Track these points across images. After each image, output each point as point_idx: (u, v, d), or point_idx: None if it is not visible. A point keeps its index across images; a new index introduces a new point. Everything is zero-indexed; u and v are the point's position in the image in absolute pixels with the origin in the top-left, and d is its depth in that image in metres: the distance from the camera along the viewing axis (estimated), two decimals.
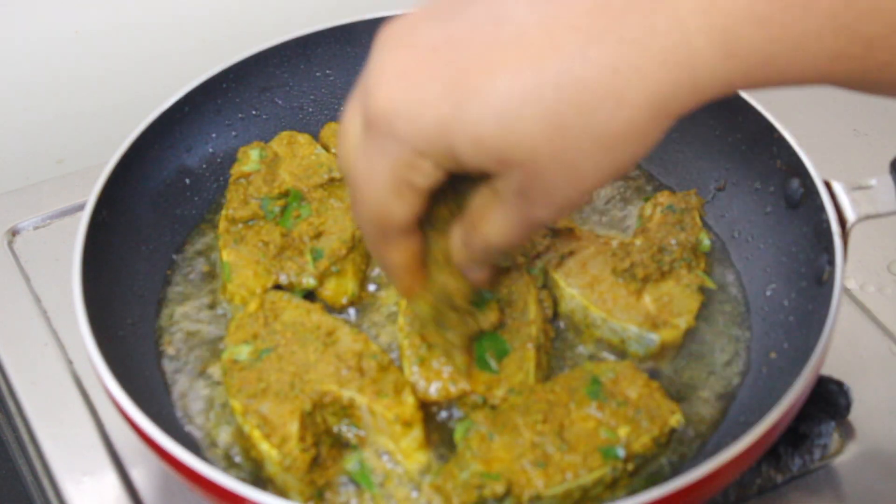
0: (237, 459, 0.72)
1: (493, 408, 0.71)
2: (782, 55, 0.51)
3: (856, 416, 0.80)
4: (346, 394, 0.71)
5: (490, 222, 0.60)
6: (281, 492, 0.70)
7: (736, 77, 0.52)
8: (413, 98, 0.54)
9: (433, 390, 0.72)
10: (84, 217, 0.77)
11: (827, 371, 0.79)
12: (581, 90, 0.51)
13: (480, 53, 0.53)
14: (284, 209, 0.83)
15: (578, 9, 0.52)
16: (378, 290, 0.82)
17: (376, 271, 0.83)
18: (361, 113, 0.57)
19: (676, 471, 0.71)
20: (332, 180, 0.85)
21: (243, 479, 0.69)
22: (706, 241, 0.81)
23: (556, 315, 0.79)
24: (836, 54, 0.51)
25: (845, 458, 0.79)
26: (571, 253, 0.79)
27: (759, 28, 0.51)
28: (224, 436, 0.74)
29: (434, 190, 0.59)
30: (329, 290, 0.80)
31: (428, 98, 0.54)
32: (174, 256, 0.85)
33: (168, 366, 0.78)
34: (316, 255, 0.80)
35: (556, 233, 0.80)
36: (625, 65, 0.51)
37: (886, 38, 0.51)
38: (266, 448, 0.69)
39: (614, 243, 0.80)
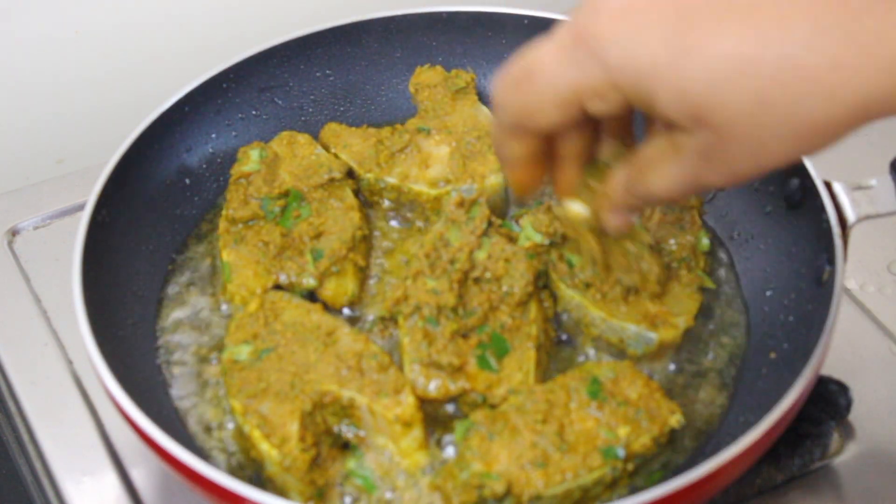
0: (237, 459, 0.72)
1: (493, 407, 0.71)
2: None
3: (856, 416, 0.80)
4: (346, 394, 0.71)
5: (660, 173, 0.61)
6: (281, 492, 0.70)
7: None
8: (635, 33, 0.55)
9: (433, 388, 0.72)
10: (84, 217, 0.77)
11: (827, 371, 0.79)
12: (798, 77, 0.52)
13: (711, 13, 0.54)
14: (284, 209, 0.83)
15: None
16: (378, 290, 0.82)
17: (376, 271, 0.83)
18: (573, 25, 0.58)
19: (676, 471, 0.71)
20: (332, 180, 0.85)
21: (243, 479, 0.69)
22: (705, 241, 0.81)
23: (556, 315, 0.79)
24: None
25: (845, 458, 0.79)
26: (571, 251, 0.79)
27: None
28: (224, 436, 0.74)
29: (600, 117, 0.60)
30: (329, 290, 0.80)
31: (649, 39, 0.55)
32: (174, 256, 0.85)
33: (168, 366, 0.78)
34: (316, 255, 0.80)
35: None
36: (847, 62, 0.52)
37: None
38: (266, 448, 0.69)
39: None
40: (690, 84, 0.54)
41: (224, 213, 0.83)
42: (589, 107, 0.59)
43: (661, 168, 0.61)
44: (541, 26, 0.93)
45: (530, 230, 0.79)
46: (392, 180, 0.86)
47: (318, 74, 0.94)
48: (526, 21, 0.93)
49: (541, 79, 0.59)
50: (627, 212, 0.67)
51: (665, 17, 0.55)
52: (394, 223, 0.86)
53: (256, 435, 0.70)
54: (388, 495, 0.70)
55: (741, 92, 0.53)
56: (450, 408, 0.73)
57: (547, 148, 0.66)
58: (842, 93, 0.52)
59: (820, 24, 0.52)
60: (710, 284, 0.80)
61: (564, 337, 0.78)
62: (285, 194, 0.84)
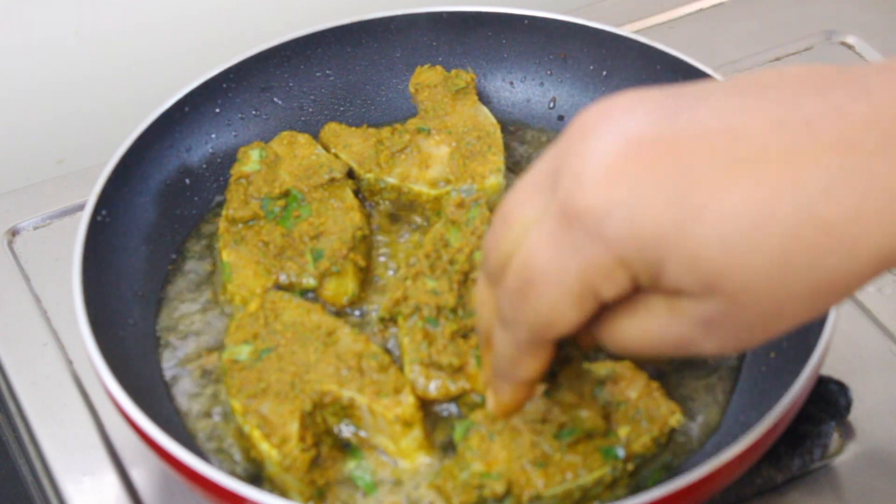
0: (237, 459, 0.72)
1: None
2: None
3: (856, 416, 0.80)
4: (346, 394, 0.71)
5: (639, 322, 0.53)
6: (281, 492, 0.70)
7: None
8: (632, 199, 0.48)
9: (433, 388, 0.72)
10: (84, 217, 0.77)
11: (827, 371, 0.79)
12: (818, 230, 0.47)
13: (714, 166, 0.48)
14: (284, 209, 0.83)
15: (826, 139, 0.48)
16: (378, 290, 0.82)
17: (376, 271, 0.83)
18: (553, 202, 0.51)
19: (676, 471, 0.71)
20: (332, 180, 0.85)
21: (243, 479, 0.69)
22: None
23: None
24: None
25: (845, 458, 0.79)
26: None
27: None
28: (224, 436, 0.74)
29: (608, 304, 0.53)
30: (329, 290, 0.80)
31: (649, 203, 0.48)
32: (174, 256, 0.85)
33: (168, 366, 0.78)
34: (316, 255, 0.80)
35: None
36: (867, 212, 0.47)
37: None
38: (266, 448, 0.69)
39: None
40: (702, 249, 0.48)
41: (224, 213, 0.83)
42: (601, 293, 0.52)
43: (639, 318, 0.53)
44: (541, 26, 0.93)
45: None
46: (392, 180, 0.86)
47: (318, 74, 0.94)
48: (526, 21, 0.93)
49: (546, 282, 0.52)
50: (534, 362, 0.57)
51: (663, 176, 0.48)
52: (394, 223, 0.86)
53: (256, 435, 0.70)
54: (388, 495, 0.70)
55: (758, 253, 0.48)
56: (450, 408, 0.73)
57: None
58: (864, 244, 0.48)
59: (835, 171, 0.47)
60: None
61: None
62: (285, 194, 0.84)
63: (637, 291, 0.53)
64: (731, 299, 0.49)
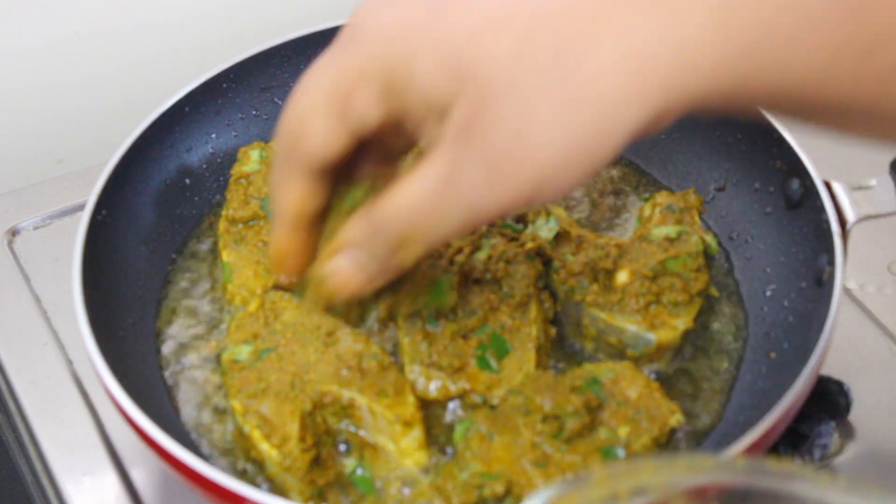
0: (237, 459, 0.72)
1: (493, 408, 0.71)
2: (779, 39, 0.46)
3: (856, 416, 0.80)
4: (347, 394, 0.71)
5: (405, 182, 0.51)
6: (281, 492, 0.70)
7: (722, 61, 0.46)
8: (392, 6, 0.51)
9: (433, 389, 0.72)
10: (84, 217, 0.77)
11: (827, 371, 0.79)
12: (557, 23, 0.47)
13: None
14: None
15: None
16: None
17: None
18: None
19: None
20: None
21: (243, 479, 0.69)
22: (713, 244, 0.81)
23: (556, 315, 0.79)
24: (837, 50, 0.47)
25: (845, 458, 0.79)
26: (572, 254, 0.79)
27: (757, 9, 0.46)
28: (224, 436, 0.74)
29: (363, 135, 0.53)
30: None
31: (407, 8, 0.51)
32: (174, 256, 0.85)
33: (168, 366, 0.78)
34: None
35: (557, 237, 0.80)
36: (609, 12, 0.47)
37: (888, 41, 0.47)
38: (266, 448, 0.69)
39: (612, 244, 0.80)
40: (453, 35, 0.49)
41: (224, 213, 0.83)
42: (352, 105, 0.51)
43: (405, 179, 0.51)
44: None
45: (541, 224, 0.79)
46: None
47: None
48: None
49: (303, 88, 0.53)
50: (364, 255, 0.54)
51: None
52: None
53: (256, 435, 0.70)
54: (388, 495, 0.70)
55: (502, 41, 0.47)
56: (450, 408, 0.73)
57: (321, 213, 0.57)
58: (605, 44, 0.46)
59: None
60: (714, 293, 0.80)
61: (564, 337, 0.78)
62: None
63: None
64: (476, 93, 0.48)
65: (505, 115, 0.48)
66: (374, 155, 0.59)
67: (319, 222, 0.58)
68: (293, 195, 0.56)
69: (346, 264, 0.56)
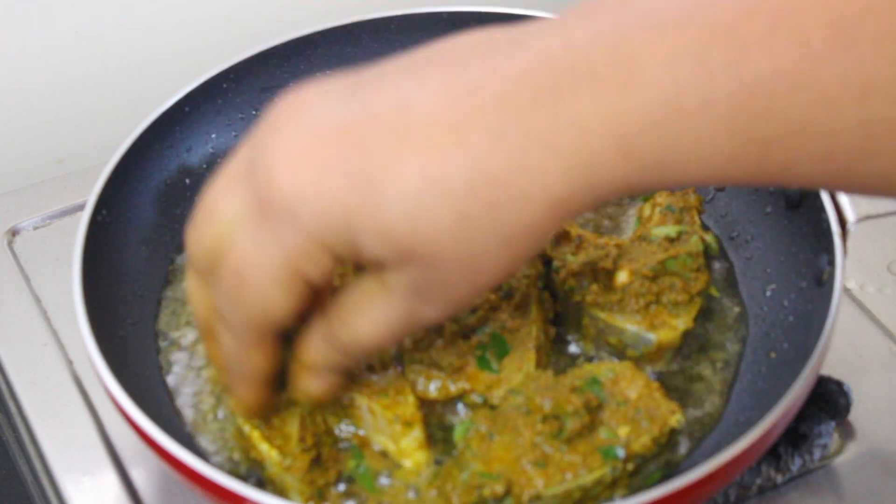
0: (237, 459, 0.72)
1: (493, 408, 0.71)
2: (679, 157, 0.51)
3: (856, 416, 0.80)
4: (346, 394, 0.71)
5: (368, 315, 0.57)
6: (281, 492, 0.70)
7: (633, 178, 0.52)
8: (318, 185, 0.52)
9: (433, 389, 0.72)
10: (84, 217, 0.77)
11: (827, 371, 0.79)
12: (490, 186, 0.51)
13: (388, 142, 0.51)
14: None
15: (485, 100, 0.51)
16: None
17: None
18: (249, 193, 0.54)
19: (676, 471, 0.71)
20: None
21: (243, 479, 0.69)
22: (713, 244, 0.81)
23: (556, 315, 0.79)
24: (733, 156, 0.51)
25: (845, 458, 0.79)
26: (572, 254, 0.79)
27: (656, 132, 0.50)
28: (224, 436, 0.74)
29: (323, 284, 0.56)
30: None
31: (334, 185, 0.51)
32: (174, 256, 0.85)
33: (168, 366, 0.78)
34: None
35: (557, 237, 0.80)
36: (531, 163, 0.50)
37: (782, 139, 0.50)
38: (266, 448, 0.69)
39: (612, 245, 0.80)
40: (389, 220, 0.51)
41: None
42: (308, 276, 0.55)
43: (369, 310, 0.56)
44: None
45: None
46: None
47: (318, 74, 0.94)
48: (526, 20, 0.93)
49: (254, 275, 0.55)
50: (329, 370, 0.62)
51: (345, 158, 0.51)
52: None
53: (256, 435, 0.70)
54: (388, 495, 0.70)
55: (441, 214, 0.51)
56: (450, 408, 0.73)
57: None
58: (534, 193, 0.51)
59: (497, 129, 0.50)
60: (714, 293, 0.80)
61: (564, 337, 0.78)
62: None
63: (351, 284, 0.57)
64: (427, 263, 0.53)
65: (457, 271, 0.53)
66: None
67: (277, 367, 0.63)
68: (262, 359, 0.61)
69: (318, 383, 0.64)
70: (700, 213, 0.83)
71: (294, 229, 0.53)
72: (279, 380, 0.65)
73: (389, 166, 0.51)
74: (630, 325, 0.75)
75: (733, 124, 0.50)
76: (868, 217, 0.74)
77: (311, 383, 0.64)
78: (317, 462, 0.70)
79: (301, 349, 0.62)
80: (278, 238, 0.53)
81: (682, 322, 0.76)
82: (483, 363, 0.73)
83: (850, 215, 0.74)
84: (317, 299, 0.60)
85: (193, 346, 0.79)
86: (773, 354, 0.76)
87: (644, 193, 0.53)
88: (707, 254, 0.80)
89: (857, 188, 0.54)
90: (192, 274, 0.62)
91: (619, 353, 0.76)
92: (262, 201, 0.53)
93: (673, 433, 0.71)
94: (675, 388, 0.76)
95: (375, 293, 0.56)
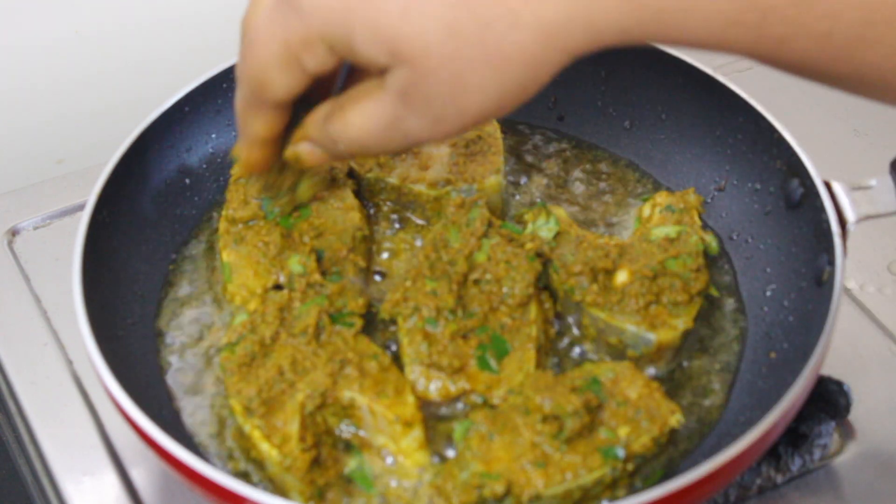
0: (237, 459, 0.72)
1: (493, 408, 0.71)
2: (679, 12, 0.52)
3: (856, 416, 0.80)
4: (347, 394, 0.71)
5: (359, 109, 0.61)
6: (281, 492, 0.70)
7: (632, 25, 0.53)
8: None
9: (433, 389, 0.72)
10: (84, 217, 0.77)
11: (827, 371, 0.79)
12: (482, 2, 0.53)
13: None
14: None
15: None
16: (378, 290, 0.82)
17: (377, 270, 0.83)
18: None
19: (676, 471, 0.71)
20: (332, 180, 0.84)
21: (243, 479, 0.69)
22: (714, 244, 0.81)
23: (556, 315, 0.79)
24: (732, 20, 0.52)
25: (845, 458, 0.79)
26: (572, 254, 0.79)
27: None
28: (224, 436, 0.74)
29: (321, 76, 0.61)
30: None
31: None
32: (174, 256, 0.85)
33: (168, 366, 0.78)
34: (316, 256, 0.80)
35: (557, 237, 0.80)
36: None
37: (781, 10, 0.51)
38: (266, 448, 0.69)
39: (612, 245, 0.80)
40: (383, 18, 0.55)
41: (224, 213, 0.83)
42: (305, 63, 0.59)
43: (361, 104, 0.61)
44: None
45: (541, 224, 0.79)
46: (392, 181, 0.86)
47: None
48: None
49: (259, 44, 0.60)
50: (319, 146, 0.66)
51: None
52: (395, 224, 0.86)
53: (256, 435, 0.70)
54: (388, 495, 0.70)
55: (431, 20, 0.54)
56: (450, 408, 0.73)
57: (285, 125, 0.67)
58: (524, 17, 0.53)
59: None
60: (714, 293, 0.80)
61: (564, 337, 0.78)
62: None
63: (354, 83, 0.61)
64: (414, 65, 0.55)
65: (443, 83, 0.55)
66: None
67: (280, 138, 0.68)
68: (260, 125, 0.66)
69: (306, 148, 0.67)
70: (700, 213, 0.83)
71: (298, 18, 0.57)
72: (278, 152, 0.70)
73: None
74: (630, 325, 0.75)
75: None
76: (868, 217, 0.74)
77: (302, 148, 0.67)
78: (317, 462, 0.70)
79: (305, 119, 0.67)
80: (283, 22, 0.58)
81: (682, 322, 0.76)
82: (483, 363, 0.73)
83: (850, 215, 0.74)
84: (322, 90, 0.65)
85: (193, 347, 0.79)
86: (773, 354, 0.76)
87: (642, 44, 0.55)
88: (707, 254, 0.80)
89: (856, 79, 0.54)
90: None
91: (619, 353, 0.76)
92: None
93: (673, 433, 0.71)
94: (676, 388, 0.76)
95: (371, 91, 0.60)
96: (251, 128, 0.66)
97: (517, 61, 0.54)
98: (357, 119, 0.61)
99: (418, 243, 0.84)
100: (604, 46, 0.55)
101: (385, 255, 0.84)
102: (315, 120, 0.65)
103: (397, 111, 0.59)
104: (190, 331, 0.80)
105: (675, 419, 0.70)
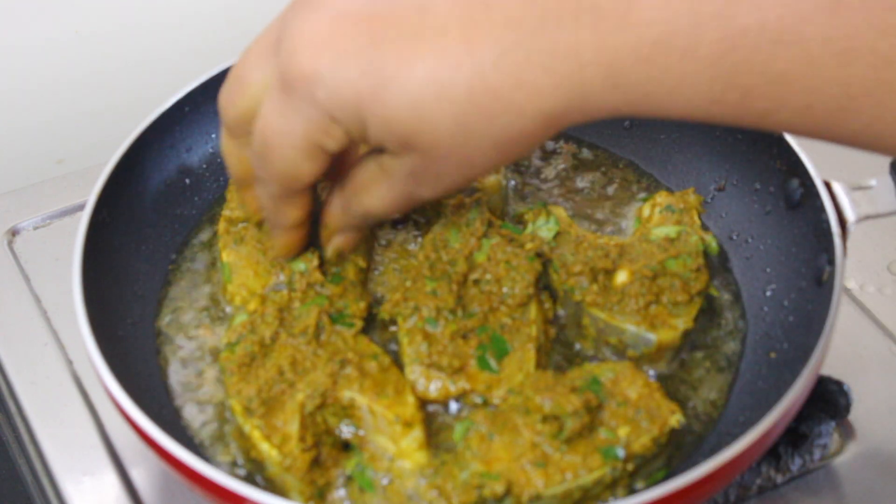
0: (237, 459, 0.72)
1: (493, 408, 0.71)
2: (663, 93, 0.56)
3: (856, 416, 0.80)
4: (347, 394, 0.71)
5: (373, 193, 0.66)
6: (281, 492, 0.70)
7: (621, 105, 0.57)
8: (335, 69, 0.58)
9: (433, 389, 0.72)
10: (84, 217, 0.77)
11: (827, 371, 0.79)
12: (489, 98, 0.56)
13: (403, 39, 0.57)
14: None
15: (498, 16, 0.56)
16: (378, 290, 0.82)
17: (377, 271, 0.83)
18: (276, 67, 0.60)
19: (676, 471, 0.71)
20: None
21: (243, 479, 0.69)
22: (714, 244, 0.81)
23: (556, 315, 0.79)
24: (714, 99, 0.55)
25: (845, 458, 0.79)
26: (572, 254, 0.79)
27: (642, 67, 0.55)
28: (224, 436, 0.74)
29: (339, 152, 0.64)
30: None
31: (349, 73, 0.57)
32: (174, 256, 0.85)
33: (168, 365, 0.78)
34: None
35: (557, 237, 0.80)
36: (528, 81, 0.56)
37: (761, 88, 0.54)
38: (266, 448, 0.69)
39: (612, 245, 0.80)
40: (394, 112, 0.57)
41: (224, 213, 0.83)
42: (326, 147, 0.62)
43: (373, 189, 0.65)
44: None
45: (541, 224, 0.79)
46: None
47: None
48: None
49: (280, 144, 0.62)
50: (349, 231, 0.73)
51: (359, 46, 0.57)
52: (394, 224, 0.86)
53: (256, 435, 0.70)
54: (388, 495, 0.70)
55: (441, 116, 0.57)
56: (450, 408, 0.73)
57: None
58: (528, 108, 0.57)
59: (502, 45, 0.56)
60: (714, 293, 0.80)
61: (564, 337, 0.78)
62: None
63: (364, 163, 0.65)
64: (425, 154, 0.60)
65: (451, 164, 0.60)
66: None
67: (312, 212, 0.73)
68: (296, 211, 0.70)
69: (340, 240, 0.74)
70: (700, 213, 0.83)
71: (312, 106, 0.59)
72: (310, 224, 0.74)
73: (400, 62, 0.56)
74: (630, 325, 0.75)
75: (715, 70, 0.54)
76: (868, 217, 0.74)
77: (337, 242, 0.74)
78: (317, 462, 0.70)
79: (324, 215, 0.72)
80: (299, 113, 0.60)
81: (682, 322, 0.76)
82: (483, 363, 0.73)
83: (850, 215, 0.74)
84: (340, 163, 0.68)
85: (193, 347, 0.79)
86: (773, 354, 0.76)
87: (634, 118, 0.59)
88: (707, 254, 0.80)
89: (843, 142, 0.57)
90: (225, 133, 0.68)
91: (619, 353, 0.76)
92: (286, 77, 0.59)
93: (673, 433, 0.71)
94: (676, 387, 0.76)
95: (377, 175, 0.64)
96: (287, 217, 0.70)
97: (519, 142, 0.59)
98: (374, 203, 0.66)
99: (418, 243, 0.84)
100: (596, 119, 0.59)
101: (385, 256, 0.84)
102: (335, 214, 0.71)
103: (408, 188, 0.63)
104: (190, 331, 0.80)
105: (675, 419, 0.70)
